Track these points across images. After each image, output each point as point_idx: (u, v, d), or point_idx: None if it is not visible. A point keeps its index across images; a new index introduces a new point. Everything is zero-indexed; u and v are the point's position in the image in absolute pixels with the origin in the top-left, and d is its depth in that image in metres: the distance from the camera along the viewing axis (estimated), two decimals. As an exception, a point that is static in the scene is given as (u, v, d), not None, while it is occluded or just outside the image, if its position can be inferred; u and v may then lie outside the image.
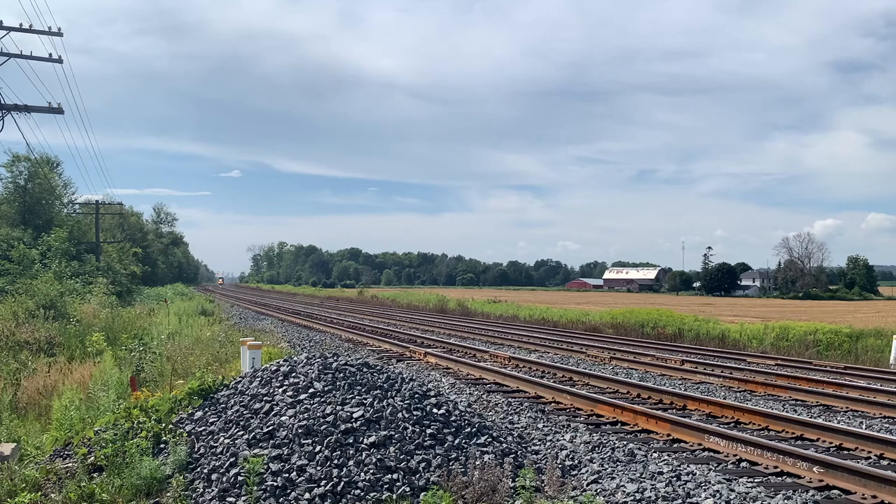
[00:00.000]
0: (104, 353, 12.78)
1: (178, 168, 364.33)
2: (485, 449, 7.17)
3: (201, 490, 6.31)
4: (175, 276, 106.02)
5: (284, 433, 6.77)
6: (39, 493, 6.40)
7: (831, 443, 8.92)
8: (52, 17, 44.94)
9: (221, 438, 6.95)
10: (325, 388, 7.47)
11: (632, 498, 6.66)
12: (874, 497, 6.71)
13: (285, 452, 6.54)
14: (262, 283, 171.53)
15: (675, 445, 8.82)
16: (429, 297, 57.00)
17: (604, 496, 6.74)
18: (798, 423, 9.57)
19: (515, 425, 9.84)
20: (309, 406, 7.15)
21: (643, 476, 7.37)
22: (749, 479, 7.35)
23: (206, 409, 7.73)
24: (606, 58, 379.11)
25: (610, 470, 7.59)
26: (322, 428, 6.81)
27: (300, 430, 6.78)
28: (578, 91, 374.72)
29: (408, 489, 6.30)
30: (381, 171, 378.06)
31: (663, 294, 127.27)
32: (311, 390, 7.43)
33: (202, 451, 6.90)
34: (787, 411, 11.40)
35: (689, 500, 6.67)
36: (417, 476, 6.48)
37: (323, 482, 6.21)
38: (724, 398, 12.50)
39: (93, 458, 6.95)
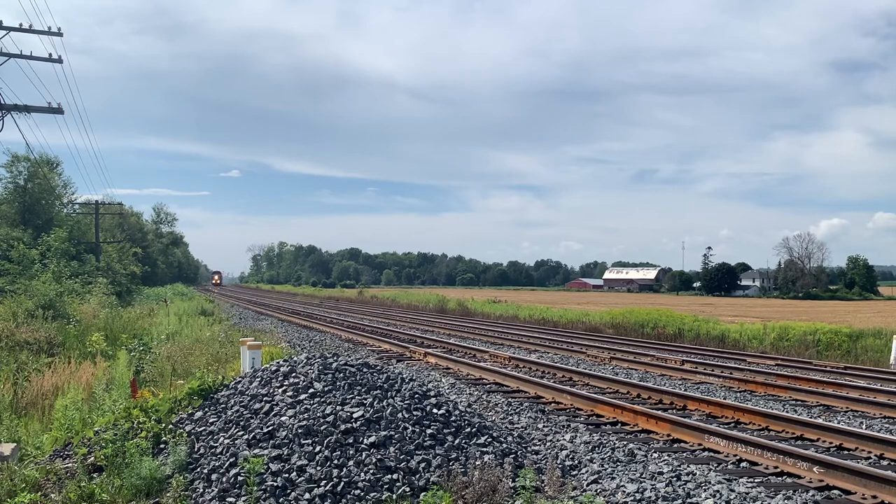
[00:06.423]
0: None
1: (177, 168, 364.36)
2: (485, 449, 7.17)
3: (201, 490, 6.31)
4: (175, 276, 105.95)
5: (284, 433, 6.77)
6: (39, 493, 6.40)
7: (831, 443, 8.92)
8: (52, 17, 44.92)
9: (221, 438, 6.95)
10: (325, 389, 7.46)
11: (632, 498, 6.66)
12: (874, 497, 6.71)
13: (285, 452, 6.54)
14: (262, 283, 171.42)
15: (676, 445, 8.82)
16: (429, 298, 56.98)
17: (604, 496, 6.74)
18: (798, 424, 9.57)
19: (515, 425, 9.84)
20: (309, 406, 7.15)
21: (643, 476, 7.37)
22: (749, 479, 7.35)
23: (206, 409, 7.73)
24: (606, 58, 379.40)
25: (610, 470, 7.59)
26: (322, 428, 6.81)
27: (300, 431, 6.78)
28: (578, 91, 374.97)
29: (408, 489, 6.29)
30: (381, 171, 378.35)
31: (663, 294, 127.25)
32: (311, 390, 7.43)
33: (202, 451, 6.90)
34: (787, 411, 11.40)
35: (689, 500, 6.67)
36: (417, 476, 6.48)
37: (323, 482, 6.21)
38: (725, 398, 12.50)
39: (93, 458, 6.95)
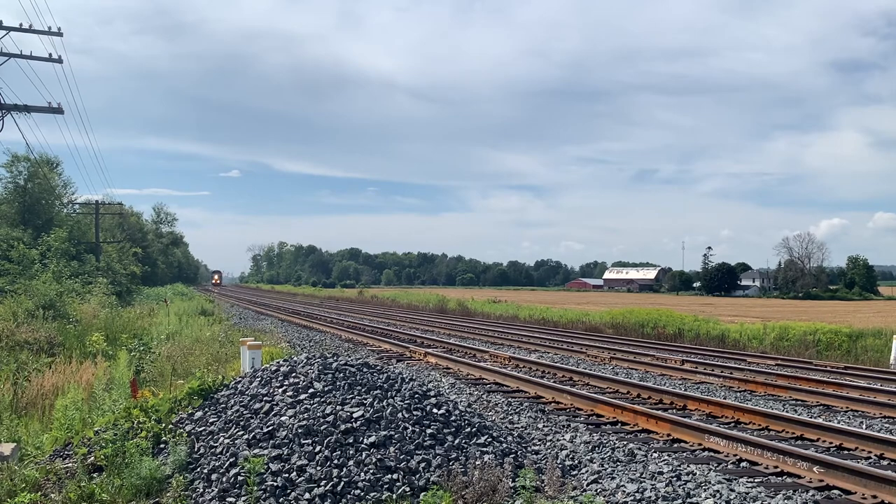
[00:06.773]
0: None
1: (177, 168, 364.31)
2: (485, 449, 7.17)
3: (201, 490, 6.31)
4: (175, 276, 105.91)
5: (284, 433, 6.77)
6: (39, 493, 6.40)
7: (831, 443, 8.92)
8: (52, 17, 44.93)
9: (221, 438, 6.95)
10: (325, 388, 7.46)
11: (632, 498, 6.66)
12: (874, 497, 6.71)
13: (285, 452, 6.54)
14: (262, 283, 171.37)
15: (676, 445, 8.82)
16: (429, 297, 56.99)
17: (604, 496, 6.74)
18: (798, 423, 9.57)
19: (515, 425, 9.84)
20: (309, 406, 7.15)
21: (643, 476, 7.37)
22: (749, 479, 7.35)
23: (206, 409, 7.73)
24: (606, 58, 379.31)
25: (610, 470, 7.59)
26: (322, 428, 6.81)
27: (300, 430, 6.78)
28: (578, 91, 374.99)
29: (408, 489, 6.29)
30: (381, 171, 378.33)
31: (663, 294, 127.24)
32: (311, 390, 7.43)
33: (202, 451, 6.90)
34: (787, 411, 11.40)
35: (689, 500, 6.67)
36: (417, 476, 6.48)
37: (323, 482, 6.21)
38: (725, 398, 12.50)
39: (93, 458, 6.95)
